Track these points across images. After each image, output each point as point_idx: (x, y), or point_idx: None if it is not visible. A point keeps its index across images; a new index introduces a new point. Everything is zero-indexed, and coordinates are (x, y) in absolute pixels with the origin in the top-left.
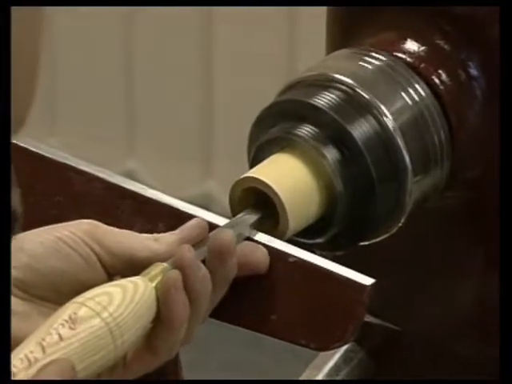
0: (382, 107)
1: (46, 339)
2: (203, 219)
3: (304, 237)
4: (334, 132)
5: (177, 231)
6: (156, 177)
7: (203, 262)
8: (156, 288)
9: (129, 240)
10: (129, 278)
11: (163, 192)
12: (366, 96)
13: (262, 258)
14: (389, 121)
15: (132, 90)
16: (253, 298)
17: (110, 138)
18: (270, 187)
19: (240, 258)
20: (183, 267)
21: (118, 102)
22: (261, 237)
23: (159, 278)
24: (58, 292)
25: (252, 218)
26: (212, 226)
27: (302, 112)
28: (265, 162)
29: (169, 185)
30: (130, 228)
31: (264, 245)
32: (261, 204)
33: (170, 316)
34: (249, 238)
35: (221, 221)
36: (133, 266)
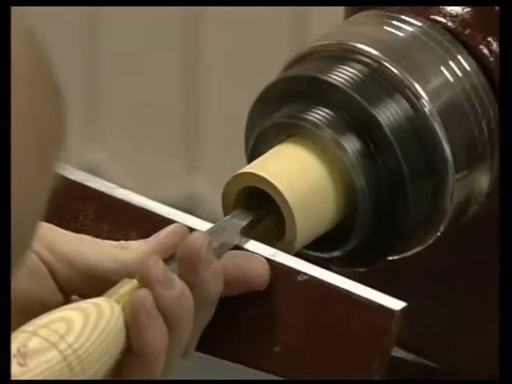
0: (416, 85)
1: None
2: (183, 225)
3: (317, 249)
4: (354, 117)
5: (150, 238)
6: (128, 172)
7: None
8: (125, 311)
9: (89, 247)
10: (90, 300)
11: (137, 192)
12: (395, 71)
13: (260, 269)
14: (424, 103)
15: (97, 62)
16: (249, 326)
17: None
18: (273, 186)
19: (229, 270)
20: (151, 284)
21: (77, 75)
22: (258, 247)
23: (128, 299)
24: None
25: (242, 221)
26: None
27: (315, 91)
28: (267, 155)
29: (144, 182)
30: (95, 237)
31: (265, 258)
32: (261, 207)
33: (143, 347)
34: (238, 247)
35: (206, 226)
36: (94, 281)
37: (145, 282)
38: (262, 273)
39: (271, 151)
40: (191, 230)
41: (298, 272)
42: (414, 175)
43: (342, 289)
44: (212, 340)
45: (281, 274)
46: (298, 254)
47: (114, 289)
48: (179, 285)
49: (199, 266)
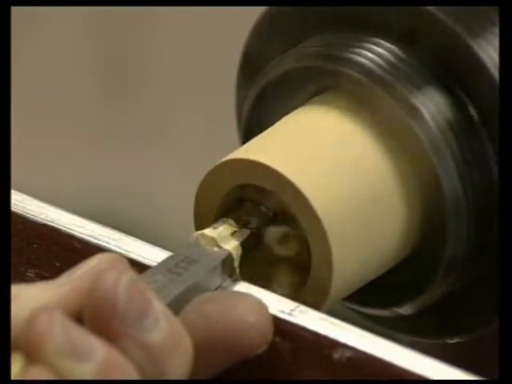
0: None
1: None
2: (117, 254)
3: (369, 303)
4: (441, 58)
5: (59, 280)
6: (16, 159)
7: None
8: None
9: None
10: None
11: (36, 195)
12: None
13: (252, 316)
14: None
15: None
16: None
17: None
18: (292, 188)
19: (200, 328)
20: (46, 357)
21: None
22: (260, 298)
23: None
24: None
25: (223, 251)
26: (139, 268)
27: (365, 11)
28: (278, 130)
29: (44, 176)
30: None
31: (275, 318)
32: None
33: None
34: None
35: (159, 256)
36: None
37: (36, 355)
38: (257, 323)
39: (284, 122)
40: (133, 263)
41: (335, 344)
42: None
43: (417, 375)
44: None
45: (304, 347)
46: (334, 311)
47: None
48: (101, 354)
49: (119, 326)
